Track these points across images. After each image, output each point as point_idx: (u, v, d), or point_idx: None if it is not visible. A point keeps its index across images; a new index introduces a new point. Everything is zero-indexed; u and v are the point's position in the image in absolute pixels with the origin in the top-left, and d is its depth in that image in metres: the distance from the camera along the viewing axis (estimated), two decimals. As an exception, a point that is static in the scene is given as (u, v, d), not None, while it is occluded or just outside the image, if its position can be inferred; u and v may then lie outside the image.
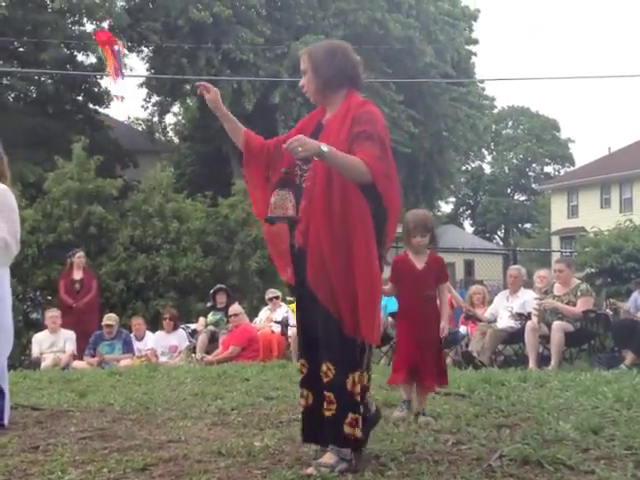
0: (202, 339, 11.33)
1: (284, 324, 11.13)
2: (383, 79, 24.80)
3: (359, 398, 3.64)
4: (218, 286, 12.55)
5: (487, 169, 61.18)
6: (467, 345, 9.98)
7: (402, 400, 5.12)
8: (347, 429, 3.60)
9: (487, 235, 59.33)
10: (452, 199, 55.53)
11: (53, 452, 4.13)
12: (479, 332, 9.62)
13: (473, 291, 11.15)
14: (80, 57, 25.05)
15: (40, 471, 3.67)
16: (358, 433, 3.63)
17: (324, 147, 3.53)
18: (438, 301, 5.12)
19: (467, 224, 61.16)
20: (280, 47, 24.42)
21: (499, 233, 61.91)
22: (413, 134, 26.30)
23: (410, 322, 5.06)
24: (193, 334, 11.94)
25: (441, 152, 30.17)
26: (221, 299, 12.13)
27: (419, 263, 5.07)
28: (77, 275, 11.95)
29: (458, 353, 10.09)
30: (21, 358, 11.28)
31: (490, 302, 10.64)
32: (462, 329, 10.57)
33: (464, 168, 47.65)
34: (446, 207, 58.37)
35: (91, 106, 25.99)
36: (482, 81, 35.10)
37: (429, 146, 28.77)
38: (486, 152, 59.75)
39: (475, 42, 32.21)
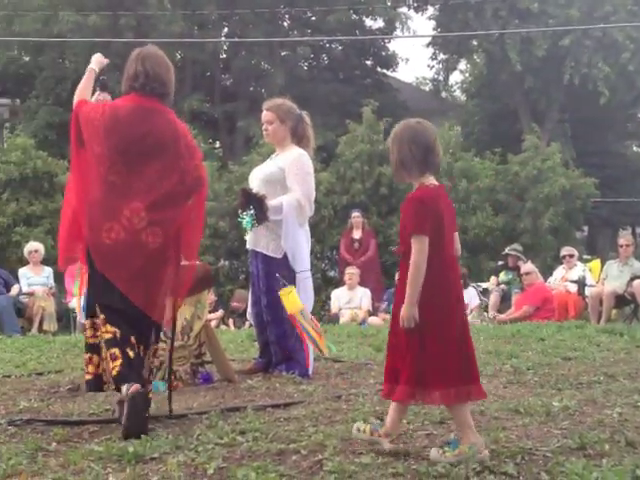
0: (494, 298, 11.27)
1: (581, 283, 10.70)
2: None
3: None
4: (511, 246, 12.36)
5: None
6: None
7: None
8: None
9: None
10: None
11: (355, 402, 4.32)
12: None
13: None
14: (368, 22, 25.76)
15: (344, 419, 3.85)
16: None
17: None
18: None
19: None
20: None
21: None
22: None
23: None
24: (484, 293, 11.90)
25: None
26: (513, 258, 11.93)
27: None
28: (356, 234, 12.36)
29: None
30: (321, 313, 11.93)
31: None
32: None
33: None
34: None
35: (379, 70, 26.61)
36: None
37: None
38: None
39: None
